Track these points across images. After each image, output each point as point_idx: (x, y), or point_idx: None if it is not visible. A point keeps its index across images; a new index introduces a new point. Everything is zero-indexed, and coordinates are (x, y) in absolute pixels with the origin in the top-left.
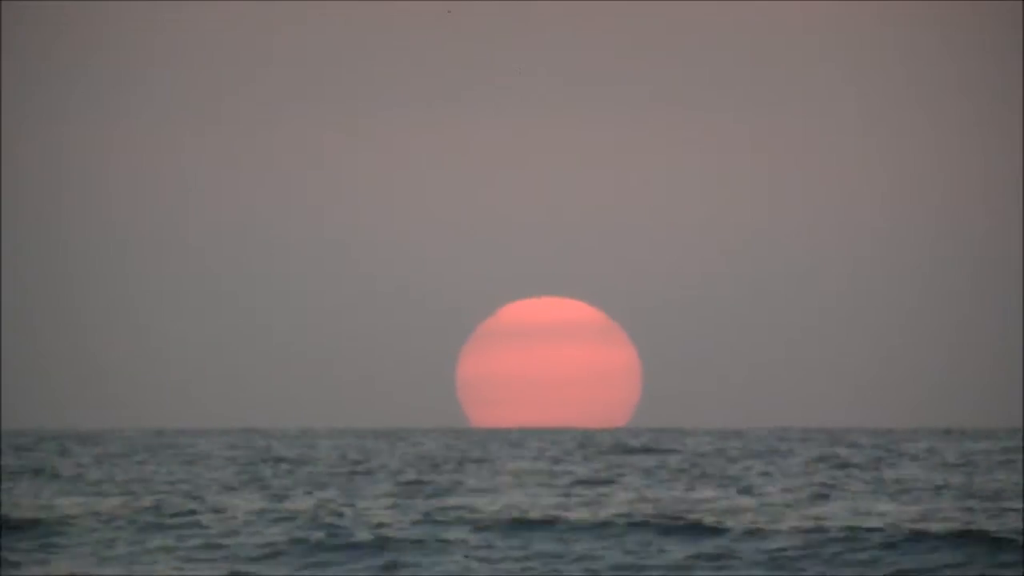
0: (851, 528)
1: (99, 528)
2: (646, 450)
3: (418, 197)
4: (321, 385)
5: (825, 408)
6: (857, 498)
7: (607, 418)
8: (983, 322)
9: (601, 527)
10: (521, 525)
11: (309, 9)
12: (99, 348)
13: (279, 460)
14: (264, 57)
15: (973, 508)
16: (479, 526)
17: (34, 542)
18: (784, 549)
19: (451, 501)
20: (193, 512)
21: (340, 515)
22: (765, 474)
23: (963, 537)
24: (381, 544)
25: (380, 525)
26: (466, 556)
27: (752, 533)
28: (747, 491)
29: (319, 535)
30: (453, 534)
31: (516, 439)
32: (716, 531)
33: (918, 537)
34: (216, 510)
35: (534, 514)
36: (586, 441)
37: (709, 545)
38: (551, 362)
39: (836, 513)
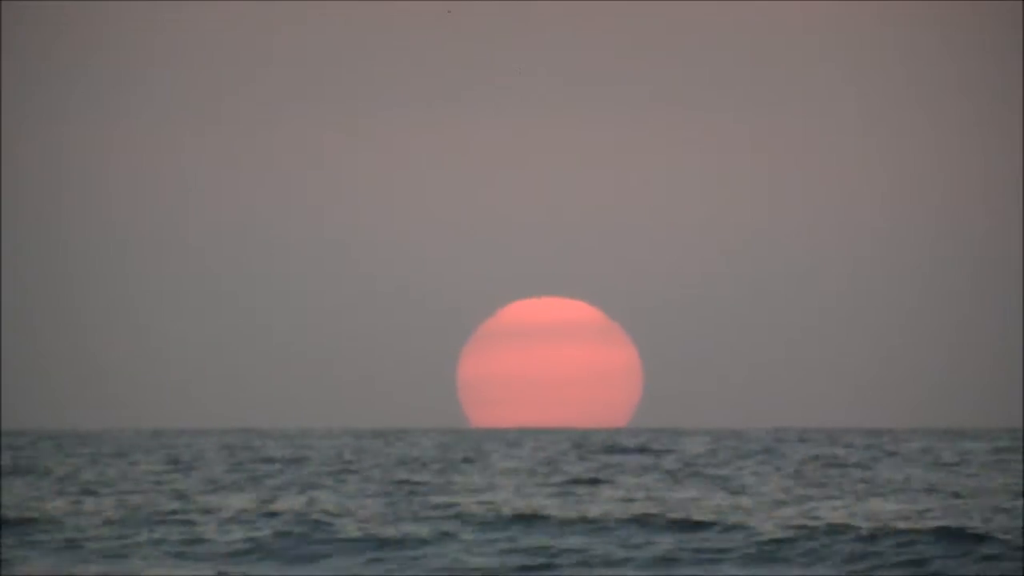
0: (836, 525)
1: (85, 527)
2: (641, 450)
3: (418, 197)
4: (321, 385)
5: (825, 408)
6: (846, 496)
7: (607, 418)
8: (983, 322)
9: (591, 523)
10: (511, 521)
11: (309, 9)
12: (99, 348)
13: (272, 459)
14: (264, 57)
15: (960, 507)
16: (469, 522)
17: (19, 538)
18: (769, 544)
19: (442, 499)
20: (180, 511)
21: (328, 512)
22: (756, 474)
23: (947, 534)
24: (369, 540)
25: (368, 522)
26: (455, 551)
27: (738, 528)
28: (738, 490)
29: (306, 532)
30: (443, 530)
31: (514, 439)
32: (704, 526)
33: (902, 533)
34: (205, 509)
35: (524, 510)
36: (581, 441)
37: (696, 540)
38: (551, 362)
39: (823, 510)
